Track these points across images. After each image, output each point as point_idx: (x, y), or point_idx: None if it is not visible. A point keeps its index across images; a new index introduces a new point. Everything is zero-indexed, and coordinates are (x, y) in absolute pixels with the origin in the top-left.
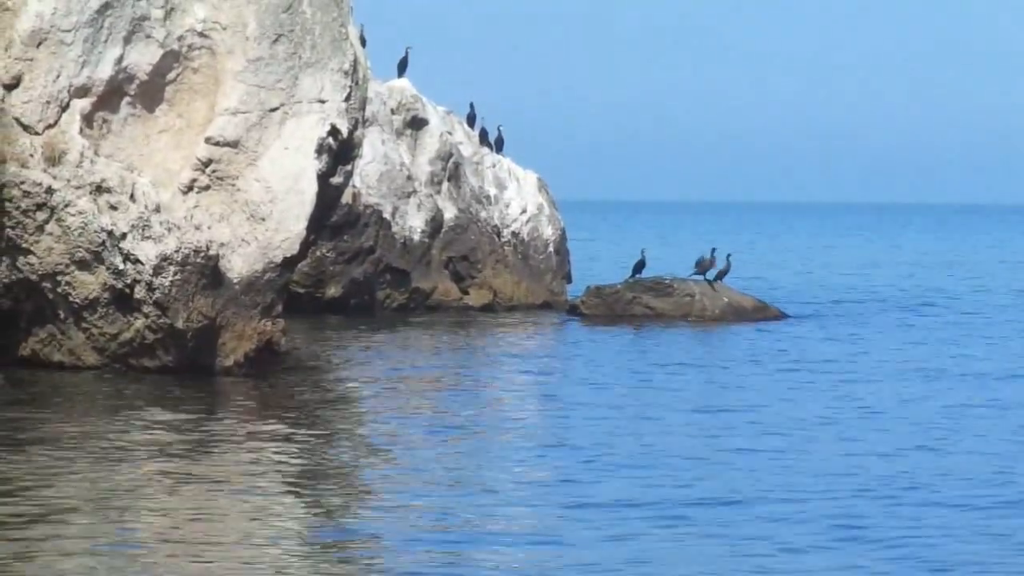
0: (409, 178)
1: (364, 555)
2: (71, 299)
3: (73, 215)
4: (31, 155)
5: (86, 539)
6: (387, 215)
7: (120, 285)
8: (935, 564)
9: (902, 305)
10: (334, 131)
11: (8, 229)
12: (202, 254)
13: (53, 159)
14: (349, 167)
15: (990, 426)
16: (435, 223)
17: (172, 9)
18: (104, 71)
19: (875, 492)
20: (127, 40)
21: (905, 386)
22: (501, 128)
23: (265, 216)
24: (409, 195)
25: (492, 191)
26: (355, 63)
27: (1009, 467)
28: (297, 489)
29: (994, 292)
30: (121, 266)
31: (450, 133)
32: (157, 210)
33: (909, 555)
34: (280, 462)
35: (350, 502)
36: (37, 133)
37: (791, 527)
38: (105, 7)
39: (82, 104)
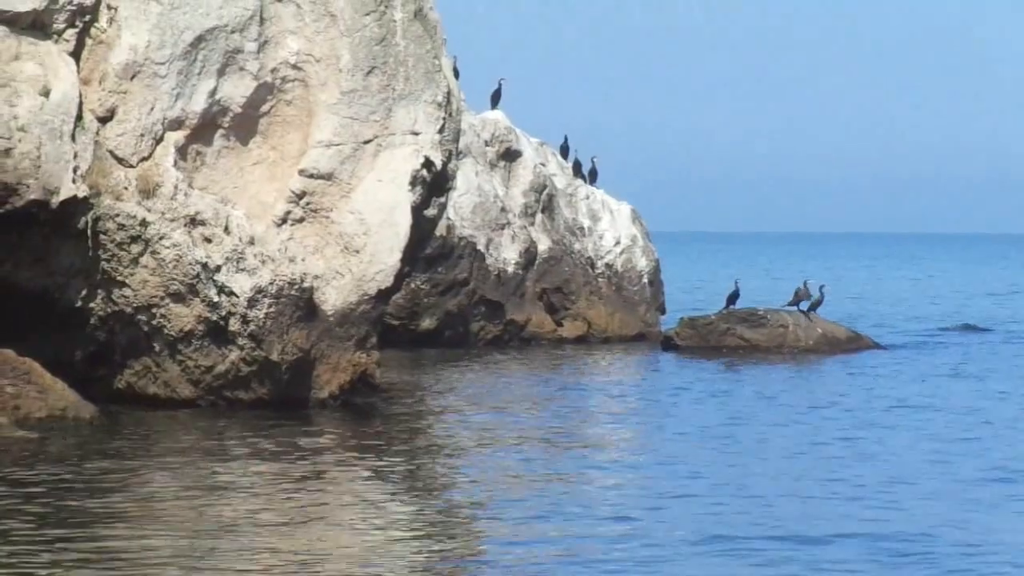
0: (503, 210)
1: None
2: (166, 331)
3: (167, 247)
4: (125, 188)
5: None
6: (481, 247)
7: (215, 317)
8: None
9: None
10: (428, 163)
11: (103, 262)
12: (296, 286)
13: (147, 192)
14: (443, 199)
15: None
16: (529, 255)
17: (266, 42)
18: (198, 104)
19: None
20: (221, 72)
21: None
22: (595, 159)
23: (359, 248)
24: (503, 227)
25: (586, 222)
26: (448, 95)
27: None
28: (396, 529)
29: None
30: (216, 298)
31: (543, 164)
32: (251, 242)
33: None
34: (378, 499)
35: (451, 540)
36: (131, 166)
37: None
38: (199, 40)
39: (176, 137)
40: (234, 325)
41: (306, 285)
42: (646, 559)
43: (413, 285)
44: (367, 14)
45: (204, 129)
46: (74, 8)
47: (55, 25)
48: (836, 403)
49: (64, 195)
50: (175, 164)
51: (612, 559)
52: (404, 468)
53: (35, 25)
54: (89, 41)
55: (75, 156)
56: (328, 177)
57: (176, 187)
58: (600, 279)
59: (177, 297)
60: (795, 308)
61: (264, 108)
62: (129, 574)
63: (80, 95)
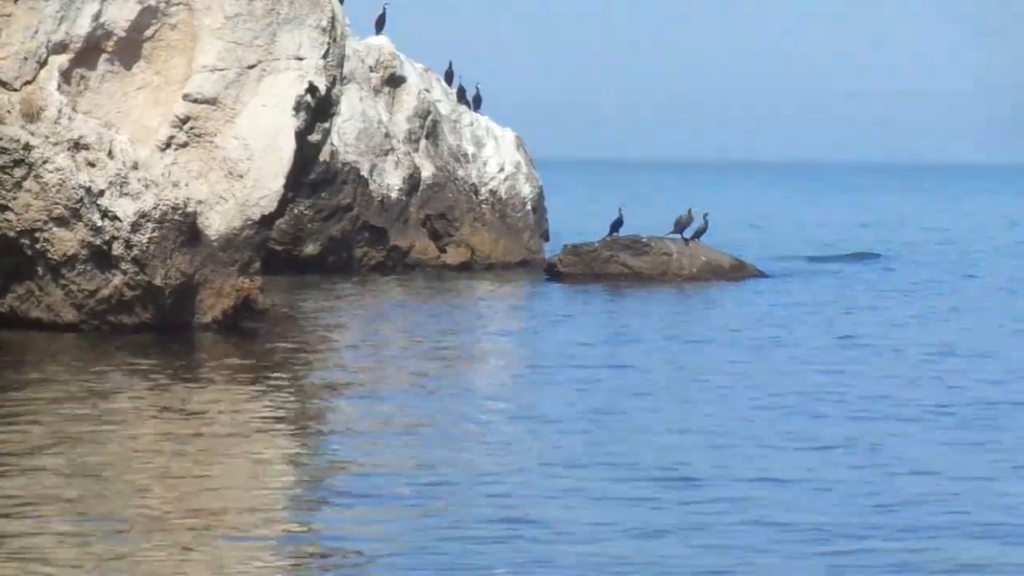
0: (387, 136)
1: (346, 506)
2: (49, 256)
3: (51, 172)
4: (8, 111)
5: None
6: (365, 173)
7: (98, 242)
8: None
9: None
10: (312, 88)
11: None
12: (180, 211)
13: (31, 115)
14: (327, 124)
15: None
16: (413, 181)
17: None
18: (82, 27)
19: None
20: None
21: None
22: (479, 86)
23: (243, 173)
24: (387, 153)
25: (470, 149)
26: (333, 20)
27: None
28: (266, 459)
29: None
30: (99, 223)
31: (428, 91)
32: (135, 167)
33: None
34: (252, 427)
35: (318, 469)
36: (15, 89)
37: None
38: None
39: (60, 60)
40: (117, 249)
41: (189, 210)
42: (514, 477)
43: (297, 211)
44: None
45: (88, 53)
46: None
47: None
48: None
49: None
50: (59, 88)
51: (482, 479)
52: (281, 395)
53: None
54: None
55: None
56: (212, 102)
57: (60, 111)
58: (484, 206)
59: (60, 221)
60: (679, 236)
61: (148, 32)
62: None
63: None
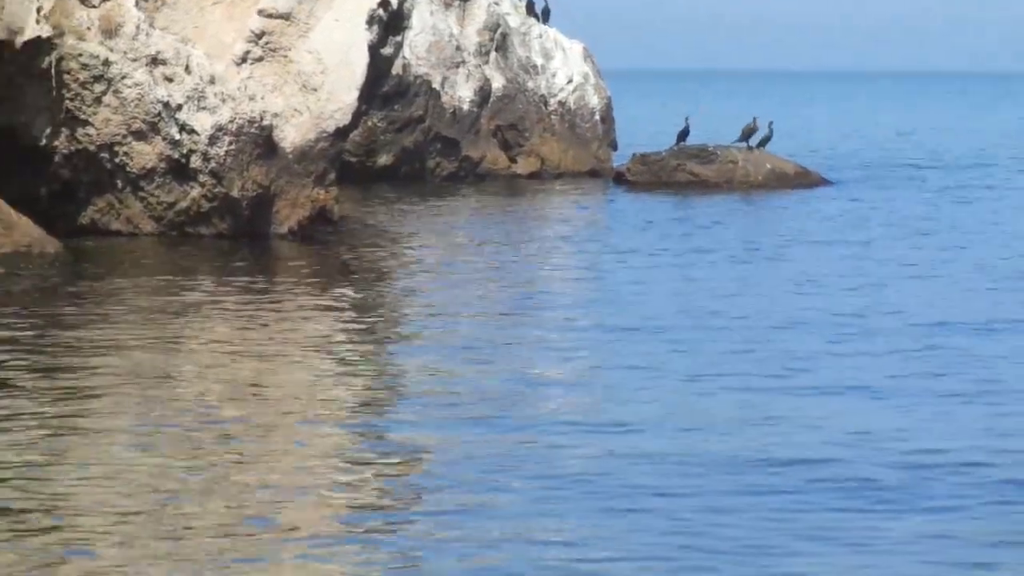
0: (458, 48)
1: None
2: (128, 169)
3: (129, 86)
4: (88, 28)
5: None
6: (436, 85)
7: (176, 155)
8: None
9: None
10: (384, 2)
11: (67, 101)
12: (256, 124)
13: (110, 32)
14: (399, 38)
15: None
16: (483, 93)
17: None
18: None
19: None
20: None
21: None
22: (547, 0)
23: (317, 87)
24: (458, 65)
25: (539, 61)
26: None
27: None
28: (337, 361)
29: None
30: (177, 136)
31: (497, 4)
32: (212, 81)
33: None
34: (325, 332)
35: (395, 361)
36: (94, 6)
37: None
38: None
39: None
40: (195, 162)
41: (265, 123)
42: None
43: (370, 122)
44: None
45: None
46: None
47: None
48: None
49: (28, 35)
50: (136, 4)
51: (547, 382)
52: (354, 301)
53: None
54: None
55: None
56: (286, 17)
57: (138, 27)
58: (553, 116)
59: (139, 135)
60: (744, 144)
61: None
62: (88, 388)
63: None
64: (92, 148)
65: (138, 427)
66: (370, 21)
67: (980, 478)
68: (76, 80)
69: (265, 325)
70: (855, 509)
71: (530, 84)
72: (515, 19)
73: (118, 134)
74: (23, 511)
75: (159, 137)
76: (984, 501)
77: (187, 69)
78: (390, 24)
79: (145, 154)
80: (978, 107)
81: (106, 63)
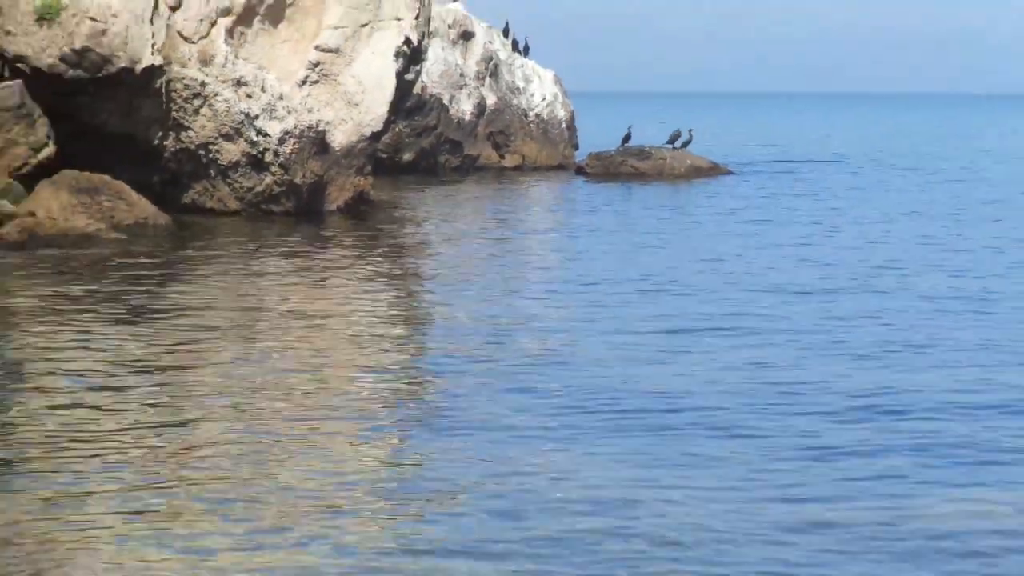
0: (462, 75)
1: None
2: (219, 162)
3: (220, 101)
4: (189, 59)
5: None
6: (446, 102)
7: (254, 152)
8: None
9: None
10: (407, 41)
11: (173, 112)
12: (313, 130)
13: (205, 61)
14: (419, 67)
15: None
16: (480, 107)
17: None
18: None
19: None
20: None
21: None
22: (528, 38)
23: (358, 103)
24: (462, 87)
25: (521, 84)
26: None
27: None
28: (384, 293)
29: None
30: (255, 138)
31: (491, 43)
32: (280, 98)
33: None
34: (369, 272)
35: (422, 301)
36: (193, 43)
37: None
38: None
39: (226, 21)
40: (268, 157)
41: (320, 129)
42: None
43: (396, 129)
44: None
45: (246, 15)
46: None
47: None
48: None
49: (145, 63)
50: (225, 41)
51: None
52: (388, 260)
53: None
54: None
55: (152, 35)
56: (336, 51)
57: (226, 58)
58: (531, 124)
59: (227, 137)
60: (671, 146)
61: (289, 0)
62: (184, 330)
63: None
64: (192, 147)
65: (238, 354)
66: (397, 55)
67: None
68: (180, 96)
69: (324, 276)
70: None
71: (514, 101)
72: (503, 53)
73: (211, 136)
74: (148, 404)
75: (242, 139)
76: None
77: (262, 89)
78: (412, 57)
79: (231, 151)
80: (866, 119)
81: (202, 84)
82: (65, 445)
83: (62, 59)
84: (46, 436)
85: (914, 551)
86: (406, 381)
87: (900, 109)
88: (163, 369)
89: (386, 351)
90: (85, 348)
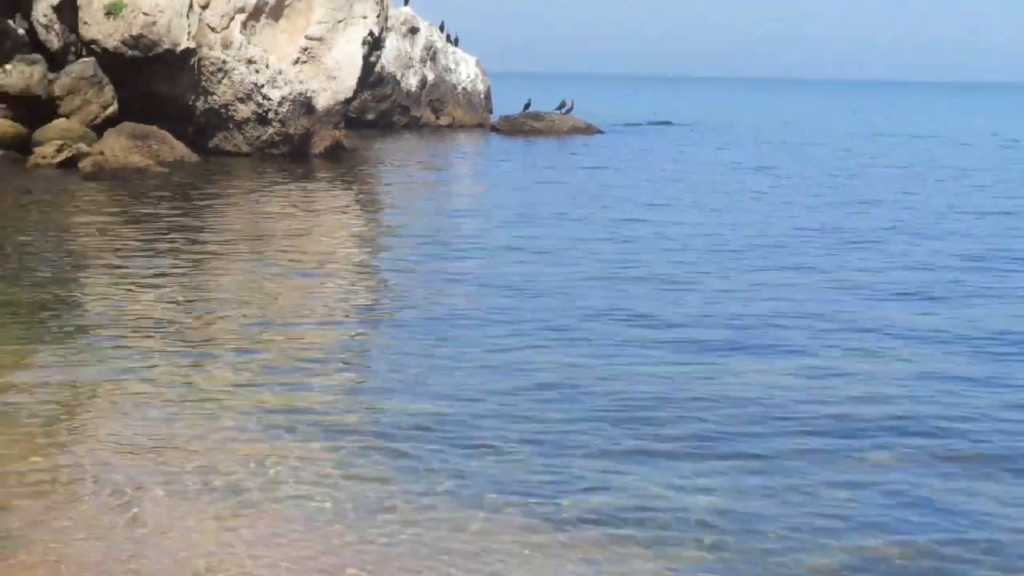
0: (410, 59)
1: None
2: (235, 118)
3: (236, 74)
4: (214, 43)
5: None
6: (398, 78)
7: (261, 111)
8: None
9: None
10: (371, 34)
11: (203, 82)
12: (303, 96)
13: (226, 46)
14: (379, 52)
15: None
16: (423, 82)
17: None
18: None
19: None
20: None
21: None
22: (457, 33)
23: (335, 77)
24: (409, 67)
25: (452, 66)
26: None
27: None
28: (355, 212)
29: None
30: (261, 101)
31: (431, 36)
32: (280, 73)
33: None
34: (344, 198)
35: (383, 219)
36: (217, 32)
37: None
38: None
39: (241, 17)
40: (270, 115)
41: (308, 95)
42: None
43: (363, 97)
44: None
45: (256, 13)
46: None
47: None
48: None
49: (183, 46)
50: (240, 31)
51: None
52: (358, 190)
53: None
54: None
55: (188, 26)
56: (320, 40)
57: (241, 43)
58: (459, 95)
59: (241, 100)
60: (559, 111)
61: (287, 2)
62: (207, 233)
63: None
64: (216, 107)
65: (251, 257)
66: (364, 43)
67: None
68: (207, 71)
69: (310, 197)
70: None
71: (447, 78)
72: (440, 44)
73: (230, 100)
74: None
75: (251, 101)
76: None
77: (267, 66)
78: (374, 45)
79: (243, 110)
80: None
81: (223, 62)
82: (117, 318)
83: (123, 43)
84: (105, 310)
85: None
86: (363, 275)
87: (811, 94)
88: (196, 262)
89: (352, 251)
90: (137, 247)
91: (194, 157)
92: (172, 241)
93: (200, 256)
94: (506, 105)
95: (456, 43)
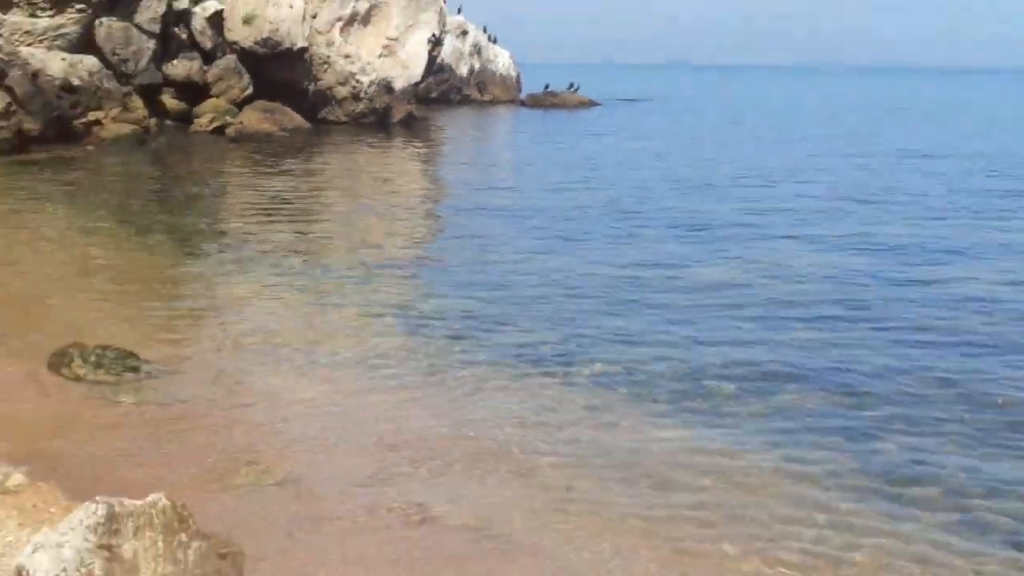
0: (462, 53)
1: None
2: (337, 96)
3: (337, 65)
4: (321, 43)
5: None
6: (454, 67)
7: (354, 92)
8: None
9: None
10: (433, 35)
11: (314, 70)
12: (384, 81)
13: (329, 44)
14: (440, 48)
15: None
16: (472, 69)
17: None
18: (347, 10)
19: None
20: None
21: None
22: (496, 35)
23: (408, 67)
24: (461, 59)
25: (492, 58)
26: (441, 9)
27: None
28: (415, 163)
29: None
30: (355, 84)
31: (477, 36)
32: (368, 64)
33: None
34: (411, 155)
35: (432, 176)
36: (323, 34)
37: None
38: None
39: (340, 24)
40: (361, 95)
41: (388, 80)
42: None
43: (427, 81)
44: None
45: (351, 21)
46: None
47: None
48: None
49: (299, 45)
50: (339, 33)
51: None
52: (424, 147)
53: None
54: None
55: (303, 31)
56: (396, 40)
57: (340, 43)
58: (497, 79)
59: (341, 84)
60: (569, 90)
61: (373, 12)
62: (314, 178)
63: (304, 6)
64: (322, 89)
65: (349, 195)
66: (428, 42)
67: None
68: (316, 63)
69: (389, 151)
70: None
71: (489, 67)
72: (484, 42)
73: (332, 84)
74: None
75: (348, 85)
76: None
77: (358, 59)
78: (436, 43)
79: (342, 91)
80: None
81: (327, 56)
82: (242, 236)
83: (256, 43)
84: (253, 237)
85: None
86: (427, 207)
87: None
88: (303, 197)
89: (418, 190)
90: (262, 185)
91: (306, 125)
92: (295, 183)
93: (314, 193)
94: (532, 85)
95: (495, 41)
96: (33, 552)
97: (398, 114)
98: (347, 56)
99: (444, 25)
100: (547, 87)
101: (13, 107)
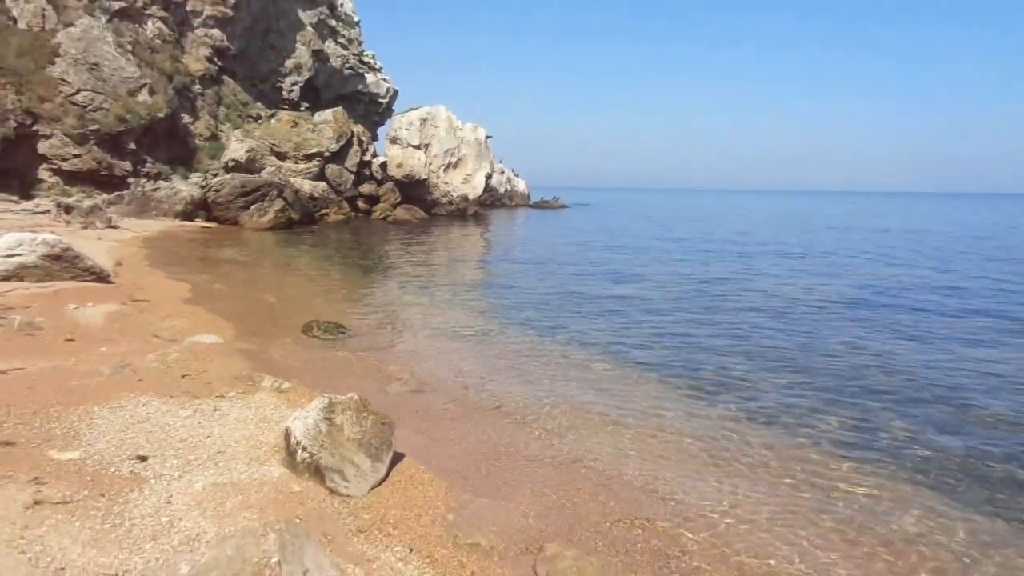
0: (500, 181)
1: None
2: (440, 202)
3: (443, 187)
4: (433, 175)
5: None
6: (497, 187)
7: (449, 200)
8: None
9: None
10: (488, 173)
11: (429, 189)
12: (463, 196)
13: (438, 176)
14: (491, 177)
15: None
16: (506, 190)
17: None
18: (446, 161)
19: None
20: (452, 156)
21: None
22: (515, 168)
23: (476, 188)
24: (500, 184)
25: (516, 183)
26: (491, 161)
27: None
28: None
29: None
30: (452, 195)
31: (507, 171)
32: (456, 188)
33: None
34: (482, 231)
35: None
36: (435, 171)
37: None
38: (447, 152)
39: (443, 165)
40: (452, 202)
41: (465, 194)
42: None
43: (484, 195)
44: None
45: (448, 165)
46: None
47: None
48: (563, 227)
49: (422, 177)
50: (443, 172)
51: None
52: (486, 228)
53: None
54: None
55: (423, 169)
56: (472, 175)
57: (441, 176)
58: (518, 193)
59: (443, 196)
60: (553, 199)
61: (459, 161)
62: (425, 244)
63: (425, 157)
64: (435, 198)
65: (448, 250)
66: (485, 176)
67: None
68: (431, 186)
69: (466, 233)
70: None
71: (513, 187)
72: (510, 174)
73: (440, 196)
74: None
75: (447, 198)
76: None
77: (452, 184)
78: (488, 177)
79: (443, 200)
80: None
81: (435, 181)
82: (397, 269)
83: (403, 177)
84: (406, 273)
85: None
86: (488, 261)
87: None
88: (427, 251)
89: (484, 250)
90: (406, 245)
91: (426, 216)
92: (422, 247)
93: (433, 249)
94: (536, 196)
95: (517, 175)
96: (293, 421)
97: (470, 211)
98: (446, 183)
99: (492, 168)
100: (542, 198)
101: (286, 207)
